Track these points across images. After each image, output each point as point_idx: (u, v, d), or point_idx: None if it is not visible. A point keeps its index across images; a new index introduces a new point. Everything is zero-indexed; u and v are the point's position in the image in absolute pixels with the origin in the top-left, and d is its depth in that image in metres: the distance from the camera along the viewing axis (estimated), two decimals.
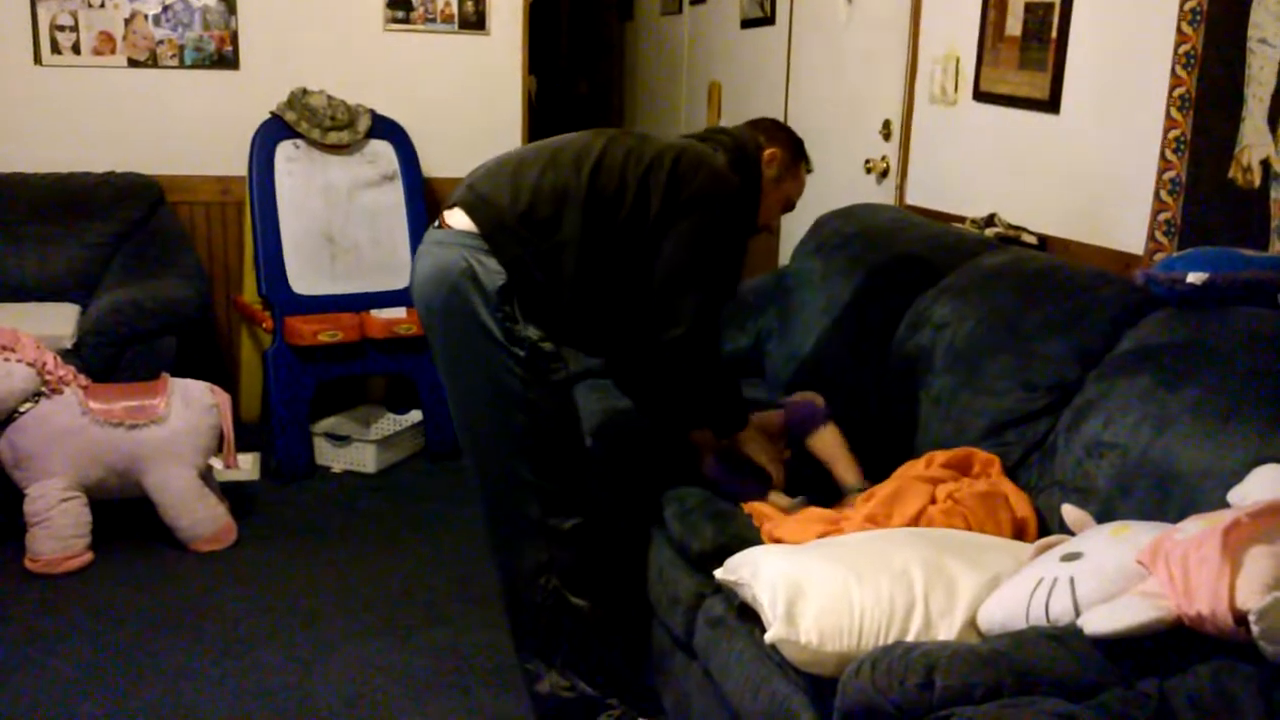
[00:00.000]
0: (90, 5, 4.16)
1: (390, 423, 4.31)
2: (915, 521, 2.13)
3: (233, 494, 3.60)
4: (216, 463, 3.49)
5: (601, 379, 2.94)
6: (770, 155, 2.49)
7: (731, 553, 2.04)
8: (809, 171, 2.62)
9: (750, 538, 2.21)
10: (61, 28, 4.16)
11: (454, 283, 2.23)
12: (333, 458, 4.07)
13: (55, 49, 4.17)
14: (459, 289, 2.23)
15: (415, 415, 4.28)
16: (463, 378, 2.34)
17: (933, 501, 2.17)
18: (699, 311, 2.29)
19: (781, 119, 4.47)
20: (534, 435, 2.30)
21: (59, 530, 3.16)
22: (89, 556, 3.22)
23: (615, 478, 2.69)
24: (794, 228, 4.08)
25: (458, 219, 2.29)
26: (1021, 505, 2.14)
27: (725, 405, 2.49)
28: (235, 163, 4.20)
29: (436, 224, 2.36)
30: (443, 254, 2.28)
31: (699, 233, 2.29)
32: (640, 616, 2.51)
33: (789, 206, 2.61)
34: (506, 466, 2.33)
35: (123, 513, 3.37)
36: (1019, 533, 2.10)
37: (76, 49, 4.19)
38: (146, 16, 4.22)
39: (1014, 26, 3.10)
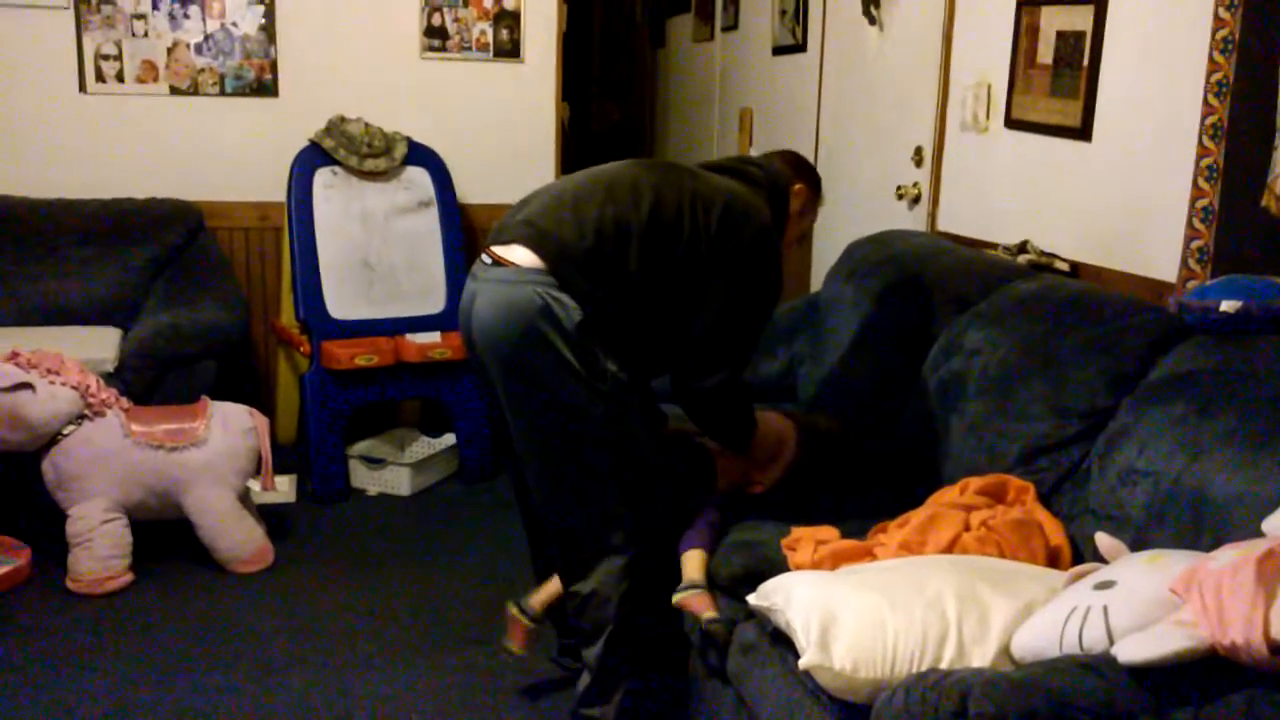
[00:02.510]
0: (134, 35, 4.25)
1: (424, 446, 4.34)
2: (949, 549, 2.13)
3: (269, 516, 3.64)
4: (254, 485, 3.53)
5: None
6: (798, 190, 2.56)
7: (762, 578, 2.05)
8: (821, 205, 2.71)
9: (779, 562, 2.23)
10: (106, 57, 4.25)
11: (530, 321, 2.22)
12: (368, 480, 4.11)
13: (100, 77, 4.26)
14: (536, 327, 2.22)
15: (449, 439, 4.32)
16: (541, 415, 2.32)
17: (966, 529, 2.17)
18: (739, 358, 2.39)
19: (813, 145, 4.51)
20: (622, 466, 2.34)
21: (100, 551, 3.21)
22: (129, 577, 3.27)
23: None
24: (825, 253, 4.10)
25: (521, 255, 2.29)
26: (1055, 533, 2.14)
27: (747, 433, 2.56)
28: (274, 189, 4.27)
29: (491, 260, 2.34)
30: (512, 292, 2.26)
31: (745, 286, 2.36)
32: (676, 644, 2.52)
33: (803, 238, 2.65)
34: (590, 496, 2.35)
35: (162, 534, 3.42)
36: (1053, 561, 2.11)
37: (120, 77, 4.27)
38: (188, 45, 4.31)
39: (1045, 54, 3.11)
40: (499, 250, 2.33)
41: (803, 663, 1.78)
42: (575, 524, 2.40)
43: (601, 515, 2.36)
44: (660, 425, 2.70)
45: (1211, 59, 2.49)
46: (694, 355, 2.37)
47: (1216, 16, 2.47)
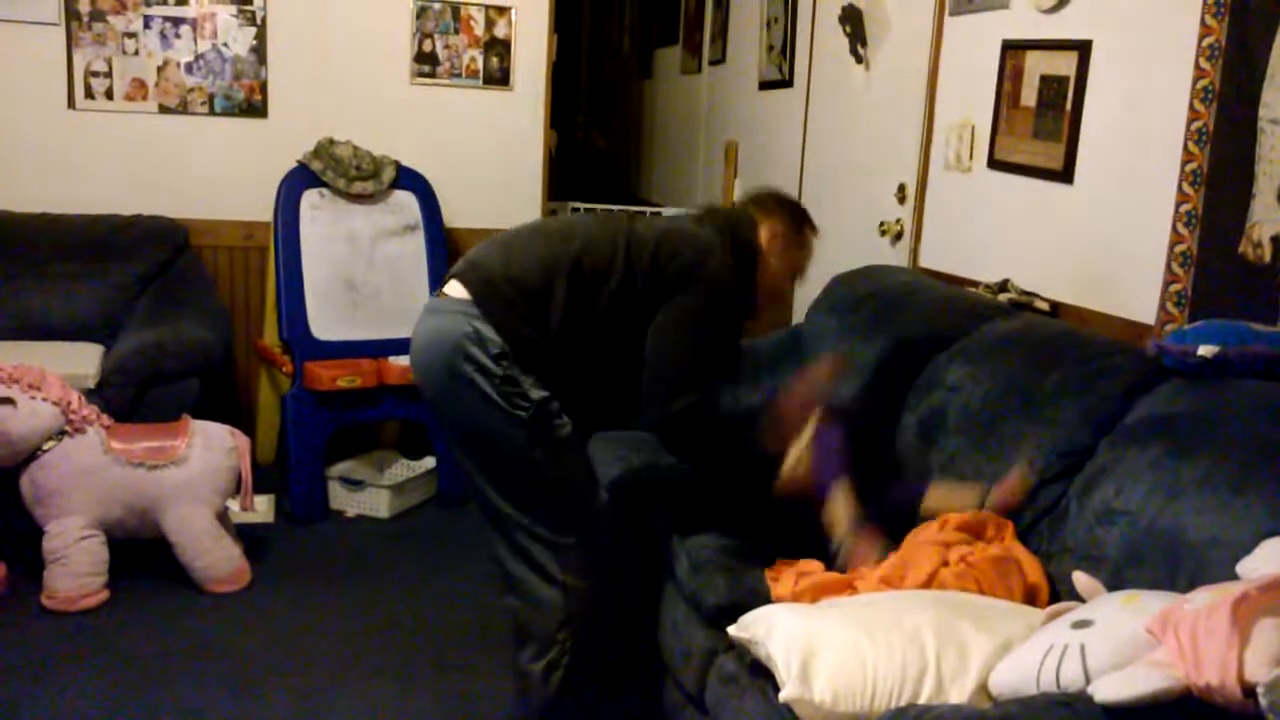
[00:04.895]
0: (124, 52, 4.26)
1: (404, 468, 4.34)
2: (928, 584, 2.15)
3: (247, 536, 3.63)
4: (233, 504, 3.52)
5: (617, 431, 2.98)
6: (770, 230, 2.52)
7: (744, 609, 2.06)
8: (815, 235, 2.63)
9: (763, 592, 2.24)
10: (96, 73, 4.26)
11: (452, 348, 2.29)
12: (347, 502, 4.10)
13: (89, 94, 4.26)
14: (454, 357, 2.29)
15: (429, 461, 4.32)
16: (468, 441, 2.39)
17: (945, 564, 2.19)
18: (692, 383, 2.35)
19: (797, 180, 4.56)
20: (544, 492, 2.36)
21: (77, 568, 3.19)
22: (105, 595, 3.25)
23: (628, 531, 2.72)
24: (808, 287, 4.13)
25: (453, 288, 2.37)
26: (1034, 571, 2.16)
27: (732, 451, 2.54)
28: (260, 209, 4.28)
29: (435, 294, 2.43)
30: (440, 321, 2.35)
31: (689, 311, 2.35)
32: (652, 672, 2.53)
33: (798, 274, 2.64)
34: (520, 523, 2.37)
35: (139, 552, 3.40)
36: (1030, 598, 2.13)
37: (109, 94, 4.28)
38: (179, 64, 4.32)
39: (1029, 97, 3.17)
40: (443, 288, 2.41)
41: (783, 695, 1.79)
42: (507, 546, 2.42)
43: (531, 539, 2.38)
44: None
45: (1192, 107, 2.55)
46: (647, 383, 2.36)
47: (1197, 66, 2.53)
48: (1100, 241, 2.89)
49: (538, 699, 2.48)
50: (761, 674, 1.98)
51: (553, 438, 2.34)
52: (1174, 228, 2.61)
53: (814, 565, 2.30)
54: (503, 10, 4.57)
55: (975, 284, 3.30)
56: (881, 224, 3.90)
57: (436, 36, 4.53)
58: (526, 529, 2.37)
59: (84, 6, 4.18)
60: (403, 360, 4.06)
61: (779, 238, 2.53)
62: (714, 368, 2.41)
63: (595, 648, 2.46)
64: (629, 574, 2.64)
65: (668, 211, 2.61)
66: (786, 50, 4.74)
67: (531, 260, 2.35)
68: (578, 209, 5.42)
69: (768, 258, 2.52)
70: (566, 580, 2.39)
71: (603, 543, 2.48)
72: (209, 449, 3.35)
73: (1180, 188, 2.59)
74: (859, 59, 4.10)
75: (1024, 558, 2.19)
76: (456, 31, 4.55)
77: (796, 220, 2.59)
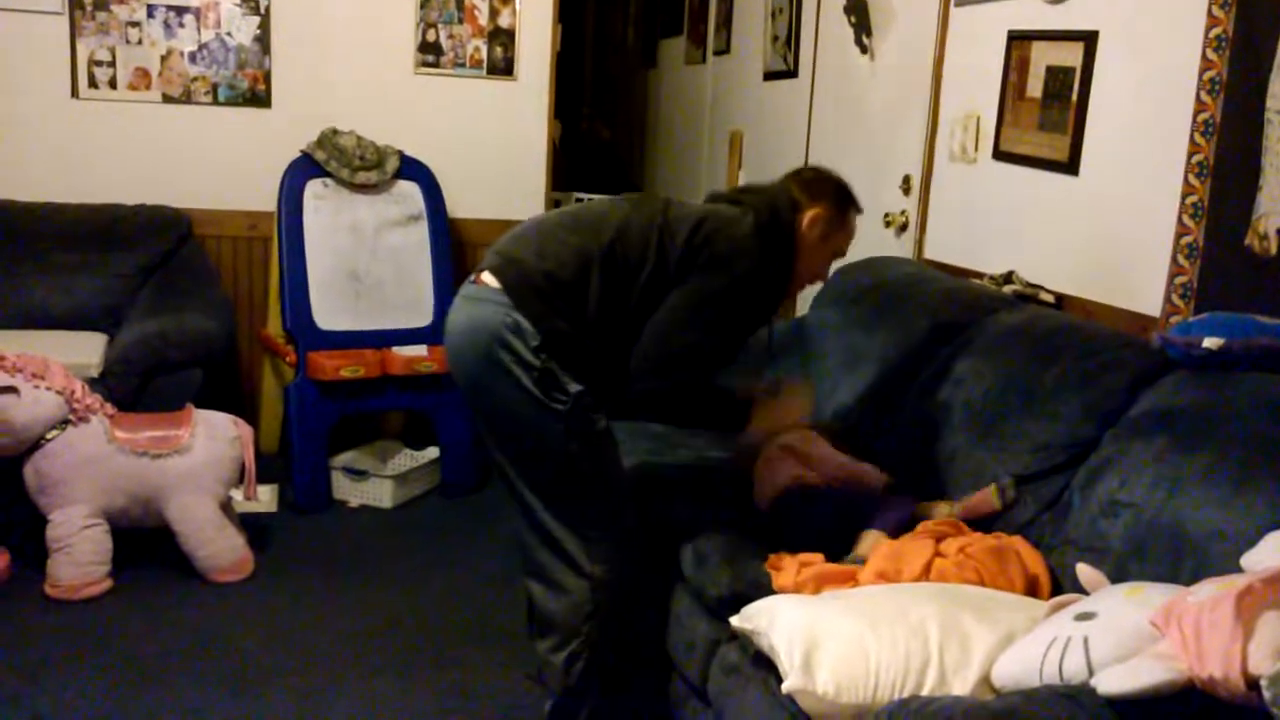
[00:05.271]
0: (128, 42, 4.26)
1: (407, 458, 4.34)
2: (925, 574, 2.15)
3: (250, 525, 3.63)
4: (236, 494, 3.53)
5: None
6: (813, 217, 2.46)
7: (747, 600, 2.06)
8: (859, 214, 2.58)
9: (765, 584, 2.24)
10: (99, 63, 4.25)
11: (490, 336, 2.29)
12: (350, 492, 4.10)
13: (92, 83, 4.26)
14: (492, 346, 2.28)
15: (432, 452, 4.32)
16: (502, 430, 2.40)
17: (939, 554, 2.19)
18: (686, 363, 2.34)
19: None
20: (579, 486, 2.37)
21: (80, 557, 3.20)
22: (108, 584, 3.26)
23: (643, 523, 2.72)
24: None
25: (487, 279, 2.36)
26: (1033, 561, 2.16)
27: (717, 415, 2.56)
28: (264, 199, 4.28)
29: (472, 280, 2.42)
30: (479, 310, 2.34)
31: (705, 291, 2.33)
32: (659, 665, 2.53)
33: (839, 255, 2.60)
34: (552, 514, 2.38)
35: (142, 541, 3.40)
36: (1031, 588, 2.12)
37: (113, 84, 4.28)
38: (182, 54, 4.32)
39: (1035, 88, 3.15)
40: (479, 274, 2.40)
41: (786, 686, 1.79)
42: (536, 535, 2.42)
43: (569, 531, 2.39)
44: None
45: (1199, 98, 2.53)
46: (650, 345, 2.33)
47: (1204, 57, 2.51)
48: (1105, 233, 2.88)
49: (557, 687, 2.49)
50: (764, 665, 1.98)
51: (589, 431, 2.35)
52: (1180, 219, 2.60)
53: (815, 556, 2.30)
54: (507, 0, 4.56)
55: (980, 276, 3.29)
56: (886, 215, 3.90)
57: (440, 26, 4.52)
58: (559, 520, 2.38)
59: None
60: (406, 350, 4.07)
61: (820, 222, 2.47)
62: (718, 352, 2.40)
63: (618, 641, 2.47)
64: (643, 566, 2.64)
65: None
66: (791, 41, 4.73)
67: (566, 252, 2.33)
68: (581, 199, 5.43)
69: (806, 241, 2.46)
70: (595, 572, 2.39)
71: (633, 537, 2.48)
72: (212, 438, 3.36)
73: (1186, 179, 2.58)
74: (864, 49, 4.09)
75: (1023, 548, 2.19)
76: (460, 21, 4.54)
77: (840, 203, 2.52)
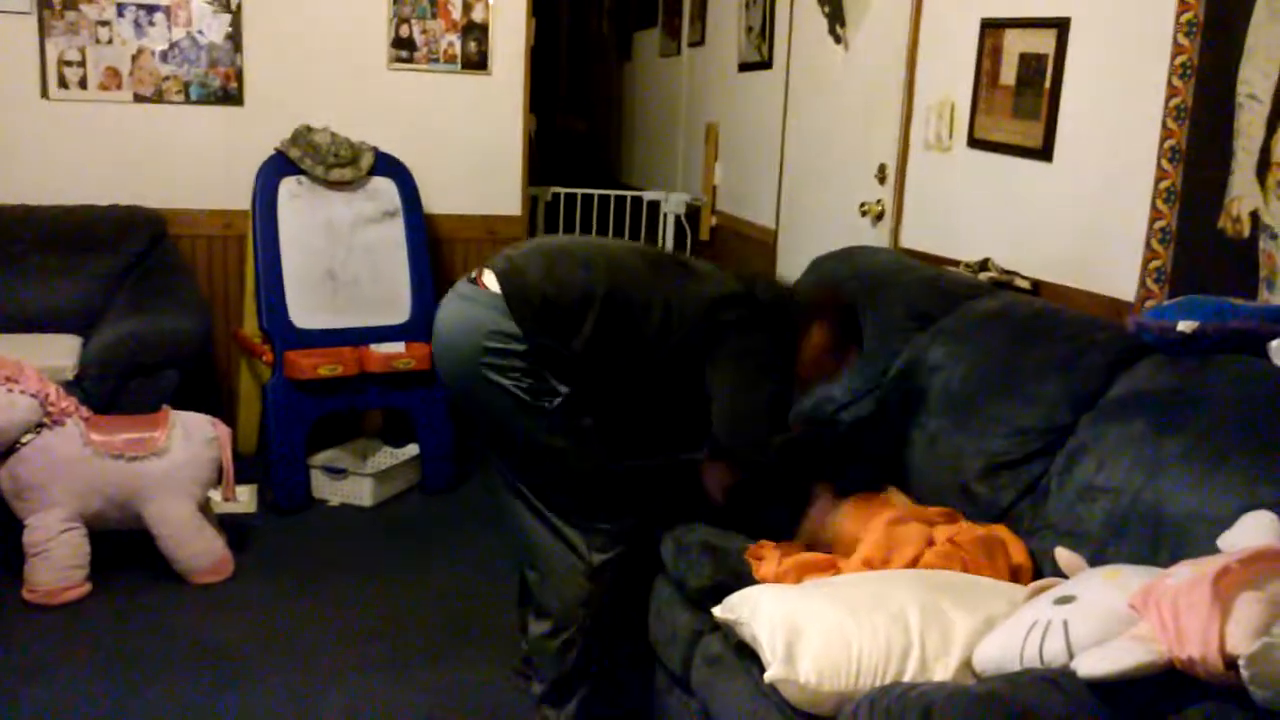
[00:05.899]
0: (98, 41, 4.22)
1: (387, 456, 4.33)
2: (913, 565, 2.16)
3: (229, 526, 3.61)
4: (215, 495, 3.51)
5: None
6: (813, 342, 2.46)
7: (728, 590, 2.07)
8: (859, 351, 2.58)
9: (747, 574, 2.24)
10: (69, 63, 4.21)
11: (482, 337, 2.32)
12: (330, 491, 4.09)
13: (62, 83, 4.22)
14: (484, 344, 2.32)
15: (412, 449, 4.30)
16: (493, 429, 2.45)
17: (930, 543, 2.19)
18: (769, 427, 2.39)
19: (778, 162, 4.55)
20: (575, 481, 2.41)
21: (58, 561, 3.17)
22: (87, 587, 3.23)
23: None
24: (790, 268, 4.13)
25: (488, 280, 2.38)
26: (1019, 551, 2.17)
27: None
28: (238, 197, 4.25)
29: (472, 278, 2.44)
30: (471, 310, 2.38)
31: (751, 347, 2.36)
32: (642, 656, 2.54)
33: (828, 378, 2.64)
34: (548, 504, 2.43)
35: (121, 544, 3.38)
36: (1015, 578, 2.13)
37: (83, 84, 4.24)
38: (153, 53, 4.28)
39: (1008, 75, 3.16)
40: (480, 274, 2.42)
41: (768, 676, 1.79)
42: (546, 523, 2.45)
43: (566, 521, 2.43)
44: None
45: (1170, 84, 2.55)
46: (724, 422, 2.37)
47: (1175, 43, 2.53)
48: (1080, 219, 2.90)
49: (551, 672, 2.52)
50: (746, 655, 1.98)
51: (576, 427, 2.39)
52: (1153, 204, 2.61)
53: (795, 545, 2.30)
54: None
55: (956, 263, 3.30)
56: (862, 204, 3.90)
57: (413, 21, 4.50)
58: (555, 510, 2.43)
59: None
60: (383, 347, 4.05)
61: (818, 349, 2.48)
62: (775, 407, 2.44)
63: (611, 628, 2.50)
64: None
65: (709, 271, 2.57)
66: (766, 31, 4.73)
67: (572, 282, 2.36)
68: (570, 194, 5.42)
69: (804, 358, 2.48)
70: (593, 560, 2.43)
71: (629, 525, 2.50)
72: (190, 440, 3.33)
73: (1159, 164, 2.59)
74: (838, 39, 4.09)
75: (1009, 538, 2.20)
76: (434, 16, 4.51)
77: (847, 333, 2.53)
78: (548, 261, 2.40)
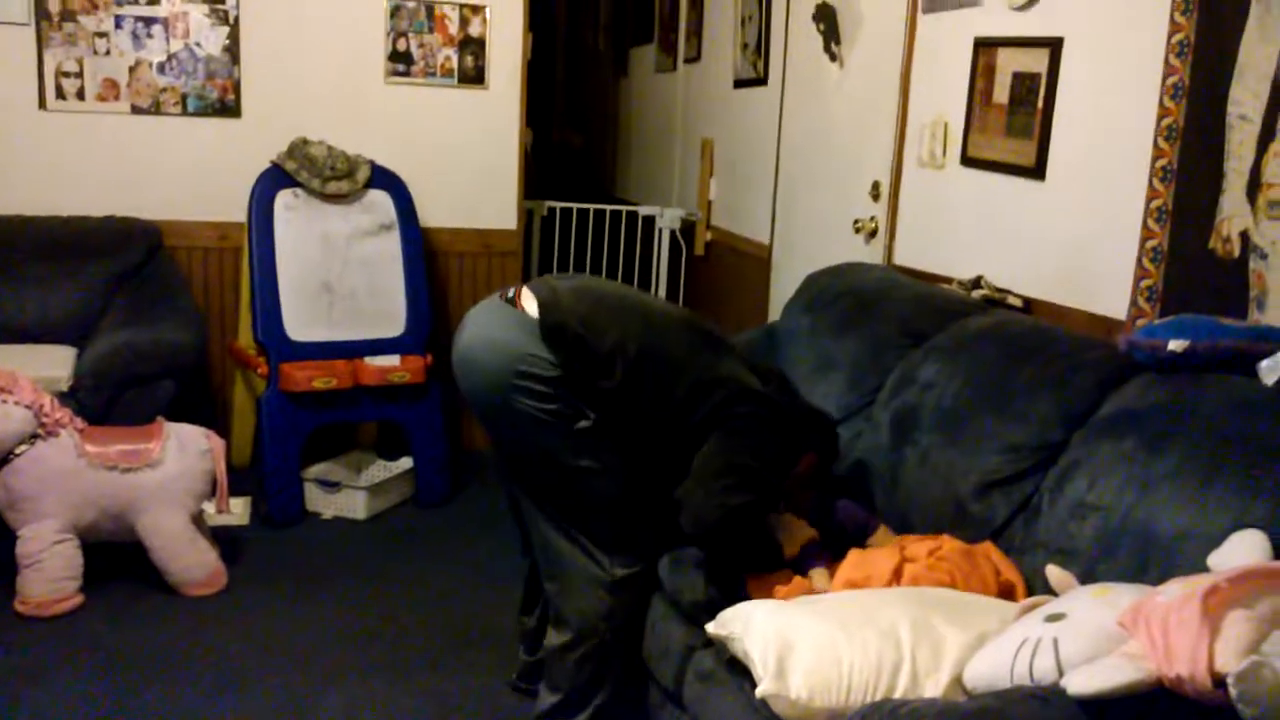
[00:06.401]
0: (96, 53, 4.23)
1: (381, 469, 4.33)
2: (895, 578, 2.16)
3: (223, 539, 3.61)
4: (209, 507, 3.50)
5: None
6: (807, 464, 2.56)
7: (722, 606, 2.07)
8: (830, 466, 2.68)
9: (740, 590, 2.25)
10: (67, 74, 4.23)
11: (514, 361, 2.33)
12: (323, 504, 4.09)
13: (60, 94, 4.23)
14: (518, 371, 2.32)
15: (406, 462, 4.31)
16: (518, 449, 2.46)
17: (906, 559, 2.20)
18: (742, 482, 2.35)
19: (773, 177, 4.57)
20: (593, 499, 2.42)
21: (50, 572, 3.17)
22: (79, 599, 3.23)
23: None
24: (784, 284, 4.15)
25: (528, 303, 2.40)
26: (1005, 566, 2.18)
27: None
28: (234, 209, 4.26)
29: (508, 298, 2.44)
30: (506, 334, 2.37)
31: (751, 420, 2.38)
32: (638, 671, 2.54)
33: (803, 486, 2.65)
34: (570, 520, 2.44)
35: (114, 556, 3.38)
36: (1005, 595, 2.14)
37: (81, 95, 4.25)
38: (151, 64, 4.29)
39: (1001, 94, 3.18)
40: (520, 294, 2.43)
41: (759, 691, 1.80)
42: (569, 536, 2.46)
43: (589, 537, 2.44)
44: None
45: (1162, 104, 2.57)
46: (697, 474, 2.35)
47: (1167, 63, 2.55)
48: (1072, 238, 2.91)
49: (565, 684, 2.51)
50: (738, 670, 1.99)
51: (603, 451, 2.40)
52: (1145, 223, 2.63)
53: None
54: (477, 9, 4.56)
55: (949, 281, 3.31)
56: (856, 221, 3.92)
57: (411, 35, 4.52)
58: (578, 526, 2.44)
59: (54, 6, 4.15)
60: (378, 360, 4.05)
61: (807, 462, 2.57)
62: (766, 481, 2.42)
63: (629, 644, 2.50)
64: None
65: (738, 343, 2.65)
66: (761, 48, 4.75)
67: (610, 330, 2.36)
68: (566, 208, 5.42)
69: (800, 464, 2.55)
70: (615, 574, 2.44)
71: (650, 541, 2.50)
72: (184, 452, 3.33)
73: (1151, 184, 2.61)
74: (833, 57, 4.11)
75: (995, 554, 2.20)
76: (431, 30, 4.54)
77: (825, 459, 2.62)
78: (589, 303, 2.41)
